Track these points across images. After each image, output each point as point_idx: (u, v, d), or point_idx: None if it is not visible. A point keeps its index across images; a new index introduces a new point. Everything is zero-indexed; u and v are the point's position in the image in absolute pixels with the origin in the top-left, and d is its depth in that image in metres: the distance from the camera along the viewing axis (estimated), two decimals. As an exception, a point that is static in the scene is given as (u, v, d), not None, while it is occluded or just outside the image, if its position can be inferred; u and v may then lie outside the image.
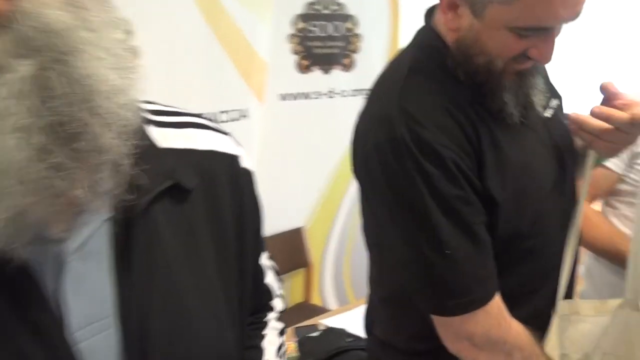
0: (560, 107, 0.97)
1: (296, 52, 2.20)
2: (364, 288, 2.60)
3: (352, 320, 1.61)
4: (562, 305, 0.90)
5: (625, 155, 1.22)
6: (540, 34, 0.77)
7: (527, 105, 0.85)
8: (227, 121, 1.94)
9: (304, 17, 2.19)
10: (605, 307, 0.92)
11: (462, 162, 0.79)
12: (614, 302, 0.92)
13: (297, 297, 2.40)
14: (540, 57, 0.79)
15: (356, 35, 2.35)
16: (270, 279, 0.66)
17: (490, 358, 0.83)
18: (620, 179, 1.26)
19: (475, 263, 0.80)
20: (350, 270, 2.54)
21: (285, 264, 2.30)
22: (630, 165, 1.24)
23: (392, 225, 0.83)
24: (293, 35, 2.18)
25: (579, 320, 0.91)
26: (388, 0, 2.43)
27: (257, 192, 0.62)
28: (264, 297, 0.66)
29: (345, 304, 2.23)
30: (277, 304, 0.68)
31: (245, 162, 0.60)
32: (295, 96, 2.23)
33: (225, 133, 0.60)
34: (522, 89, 0.84)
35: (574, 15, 0.76)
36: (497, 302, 0.82)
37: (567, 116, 0.92)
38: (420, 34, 0.91)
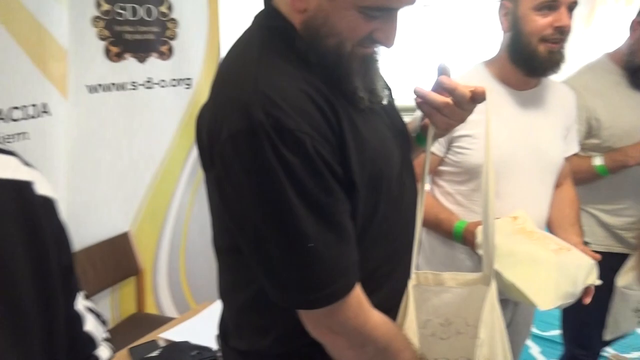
0: (391, 94, 1.01)
1: (103, 38, 1.95)
2: (204, 291, 2.48)
3: (195, 329, 1.50)
4: (426, 276, 0.95)
5: (443, 140, 1.34)
6: (386, 16, 0.79)
7: (372, 91, 0.86)
8: (22, 119, 1.64)
9: (109, -2, 1.95)
10: (465, 279, 0.98)
11: (323, 149, 0.75)
12: (473, 276, 0.99)
13: (130, 308, 2.19)
14: (385, 39, 0.81)
15: (172, 21, 2.18)
16: (90, 325, 0.54)
17: (349, 346, 0.83)
18: (441, 160, 1.39)
19: (338, 255, 0.79)
20: (187, 274, 2.39)
21: (113, 273, 2.08)
22: (448, 148, 1.37)
23: (251, 223, 0.77)
24: (97, 18, 1.93)
25: (442, 290, 0.96)
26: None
27: (63, 223, 0.49)
28: (86, 348, 0.54)
29: (186, 311, 2.09)
30: (102, 352, 0.56)
31: (40, 188, 0.46)
32: (106, 88, 1.99)
33: (8, 152, 0.45)
34: (368, 74, 0.85)
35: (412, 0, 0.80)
36: (357, 293, 0.81)
37: (414, 90, 0.96)
38: (262, 15, 0.86)
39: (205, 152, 0.82)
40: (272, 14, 0.84)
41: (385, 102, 0.94)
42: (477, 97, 0.91)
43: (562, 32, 1.30)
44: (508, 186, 1.34)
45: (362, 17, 0.78)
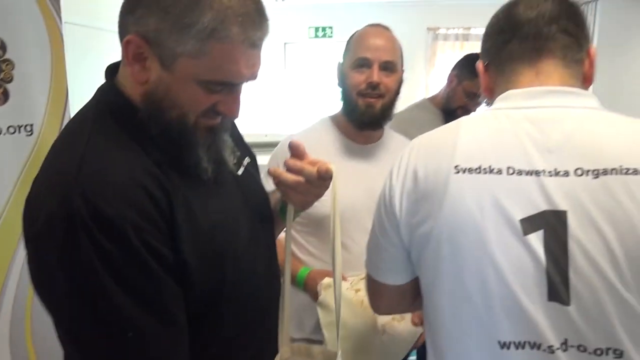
0: (252, 164, 1.02)
1: None
2: (55, 357, 2.17)
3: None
4: (299, 347, 0.98)
5: None
6: (227, 90, 0.80)
7: (219, 162, 0.86)
8: None
9: None
10: (331, 354, 1.00)
11: (150, 235, 0.72)
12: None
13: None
14: (228, 112, 0.82)
15: (7, 62, 1.95)
16: None
17: None
18: None
19: (162, 344, 0.75)
20: (34, 339, 2.08)
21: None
22: None
23: (67, 314, 0.73)
24: None
25: None
26: (44, 23, 2.10)
27: None
28: None
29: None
30: None
31: None
32: None
33: None
34: (214, 145, 0.85)
35: (253, 75, 0.81)
36: None
37: (268, 171, 0.98)
38: (101, 91, 0.85)
39: (26, 233, 0.76)
40: (111, 89, 0.83)
41: (240, 171, 0.95)
42: (323, 175, 0.94)
43: (374, 88, 1.42)
44: (354, 237, 1.41)
45: (203, 90, 0.78)
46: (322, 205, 1.34)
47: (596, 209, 0.76)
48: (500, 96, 0.90)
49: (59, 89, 2.14)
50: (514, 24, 0.91)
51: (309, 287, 1.37)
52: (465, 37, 5.98)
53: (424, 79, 6.01)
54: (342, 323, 1.24)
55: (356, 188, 1.41)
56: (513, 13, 0.92)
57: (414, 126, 1.91)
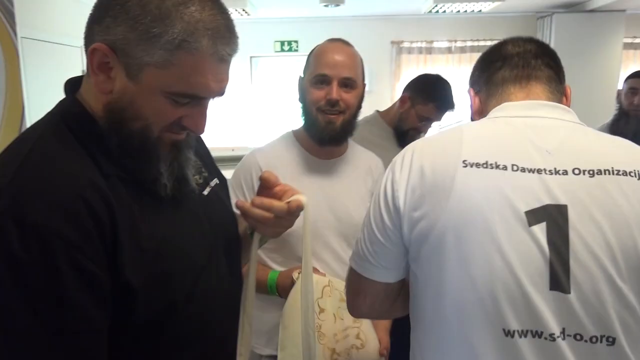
0: (221, 186, 1.00)
1: None
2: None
3: None
4: None
5: None
6: (194, 103, 0.78)
7: (180, 179, 0.84)
8: None
9: None
10: None
11: (81, 253, 0.68)
12: None
13: None
14: (194, 127, 0.80)
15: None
16: None
17: None
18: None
19: None
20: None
21: None
22: None
23: None
24: None
25: None
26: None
27: None
28: None
29: None
30: None
31: None
32: None
33: None
34: (177, 161, 0.83)
35: (221, 90, 0.79)
36: None
37: (235, 204, 0.95)
38: (61, 103, 0.82)
39: None
40: (70, 101, 0.81)
41: (206, 192, 0.92)
42: (294, 211, 0.92)
43: (333, 105, 1.41)
44: (317, 253, 1.39)
45: (170, 102, 0.76)
46: None
47: (593, 204, 0.83)
48: (496, 108, 0.98)
49: (15, 105, 2.06)
50: (504, 56, 1.03)
51: (281, 283, 1.35)
52: (429, 51, 6.10)
53: (389, 92, 6.09)
54: (297, 341, 1.21)
55: (318, 205, 1.38)
56: (502, 49, 1.04)
57: (366, 141, 1.87)
